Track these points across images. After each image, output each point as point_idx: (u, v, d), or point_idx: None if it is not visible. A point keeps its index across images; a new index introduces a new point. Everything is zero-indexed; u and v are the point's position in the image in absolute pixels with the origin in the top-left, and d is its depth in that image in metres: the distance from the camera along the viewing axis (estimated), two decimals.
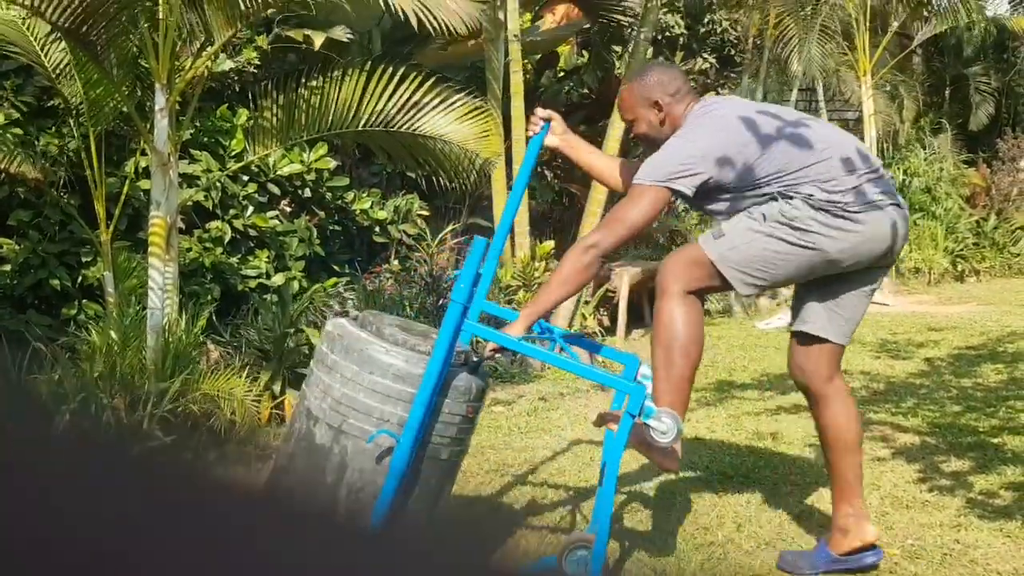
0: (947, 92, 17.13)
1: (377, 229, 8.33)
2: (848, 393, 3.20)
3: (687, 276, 2.97)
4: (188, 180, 6.79)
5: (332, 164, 7.58)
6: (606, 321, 9.12)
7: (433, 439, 2.68)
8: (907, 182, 14.53)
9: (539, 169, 12.01)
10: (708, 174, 2.92)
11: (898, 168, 14.82)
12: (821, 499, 3.90)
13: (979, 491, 4.06)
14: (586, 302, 8.62)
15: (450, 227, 8.86)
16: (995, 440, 4.81)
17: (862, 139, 13.75)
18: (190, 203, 6.70)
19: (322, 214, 7.83)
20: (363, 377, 2.61)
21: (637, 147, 12.64)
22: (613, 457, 2.86)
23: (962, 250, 13.63)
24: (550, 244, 8.85)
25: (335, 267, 7.93)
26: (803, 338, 3.12)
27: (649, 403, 2.77)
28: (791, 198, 2.91)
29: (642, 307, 10.15)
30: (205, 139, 7.11)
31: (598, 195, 8.30)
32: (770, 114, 3.06)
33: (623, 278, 9.16)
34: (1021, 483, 4.10)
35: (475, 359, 2.97)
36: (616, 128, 8.16)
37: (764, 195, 2.95)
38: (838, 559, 3.09)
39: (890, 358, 7.48)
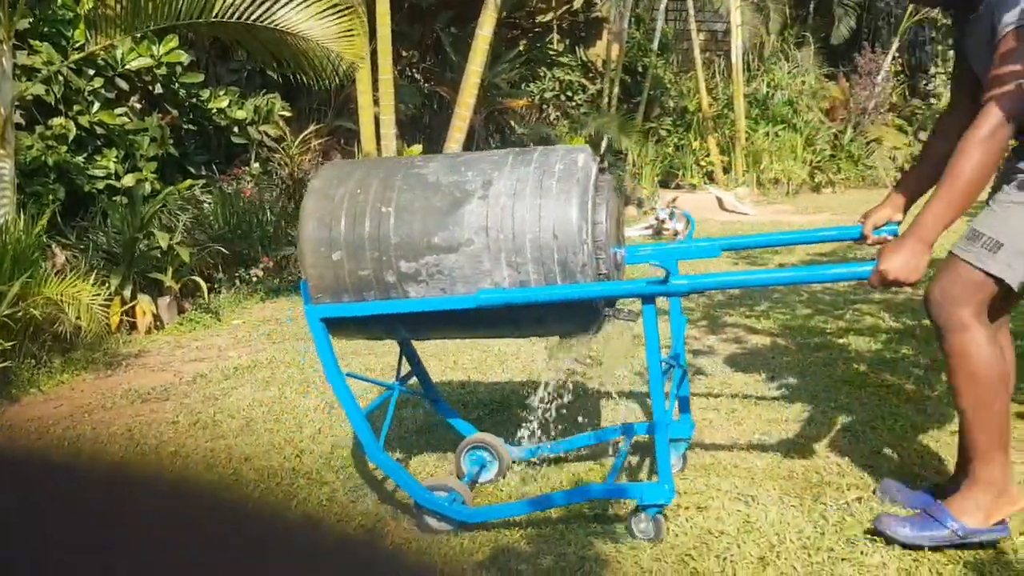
0: (812, 5, 17.44)
1: (236, 129, 7.99)
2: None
3: (970, 297, 2.52)
4: (27, 73, 6.33)
5: (184, 58, 7.18)
6: None
7: None
8: (771, 94, 14.84)
9: (408, 71, 11.74)
10: None
11: (763, 80, 15.11)
12: None
13: (822, 386, 4.23)
14: None
15: (313, 128, 8.58)
16: (841, 340, 5.01)
17: (729, 51, 13.94)
18: (29, 97, 6.26)
19: (175, 112, 7.44)
20: None
21: (513, 47, 12.46)
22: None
23: (820, 162, 14.08)
24: (418, 148, 8.69)
25: (190, 169, 7.59)
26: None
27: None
28: None
29: None
30: (45, 28, 6.61)
31: (467, 98, 8.15)
32: None
33: None
34: (862, 378, 4.29)
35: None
36: (485, 29, 7.99)
37: None
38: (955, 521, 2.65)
39: (747, 264, 7.70)
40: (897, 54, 16.03)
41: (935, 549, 2.63)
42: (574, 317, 2.77)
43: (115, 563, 0.46)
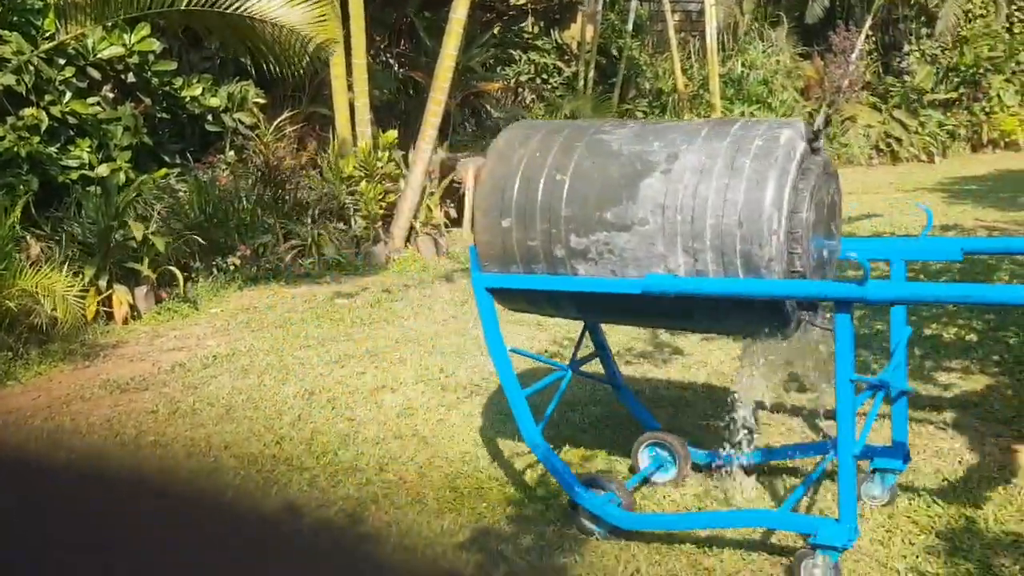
0: None
1: (210, 117, 7.93)
2: None
3: None
4: None
5: (157, 46, 7.12)
6: (453, 213, 9.06)
7: None
8: (746, 74, 14.88)
9: (382, 56, 11.68)
10: None
11: (737, 60, 15.14)
12: None
13: None
14: (431, 193, 8.53)
15: (287, 114, 8.54)
16: None
17: (703, 31, 13.94)
18: (0, 87, 6.20)
19: (148, 101, 7.38)
20: None
21: (487, 31, 12.40)
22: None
23: None
24: (393, 134, 8.65)
25: (164, 157, 7.53)
26: None
27: None
28: None
29: None
30: (14, 18, 6.53)
31: (441, 82, 8.12)
32: None
33: (469, 169, 9.08)
34: None
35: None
36: (459, 12, 7.95)
37: None
38: None
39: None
40: (870, 32, 16.09)
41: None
42: (757, 317, 2.42)
43: (105, 558, 0.48)
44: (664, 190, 2.38)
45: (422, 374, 4.61)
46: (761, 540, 2.66)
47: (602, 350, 3.26)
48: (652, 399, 4.01)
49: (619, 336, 4.87)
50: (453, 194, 9.10)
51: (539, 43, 13.28)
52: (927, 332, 4.74)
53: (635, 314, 2.74)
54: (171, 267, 6.27)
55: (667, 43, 13.94)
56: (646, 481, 3.09)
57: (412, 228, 8.17)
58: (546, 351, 4.70)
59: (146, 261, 6.06)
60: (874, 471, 2.82)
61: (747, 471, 2.96)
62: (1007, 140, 15.82)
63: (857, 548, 2.52)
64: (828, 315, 2.46)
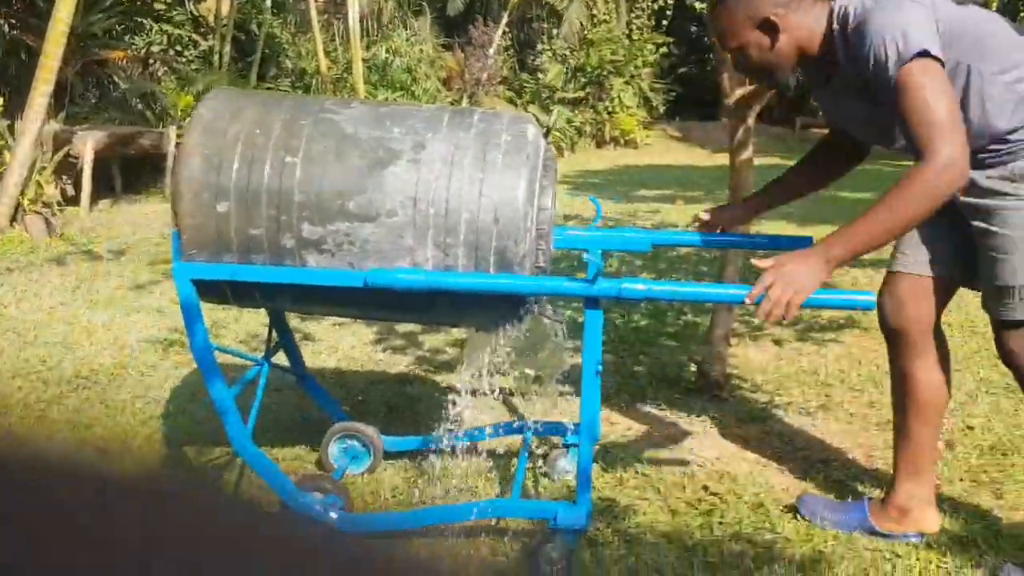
0: None
1: None
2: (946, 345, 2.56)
3: None
4: None
5: None
6: (70, 191, 8.27)
7: None
8: (390, 61, 15.02)
9: None
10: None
11: (381, 47, 15.24)
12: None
13: (427, 349, 4.32)
14: (42, 168, 7.72)
15: None
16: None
17: (347, 16, 13.87)
18: None
19: None
20: None
21: None
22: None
23: None
24: None
25: None
26: (914, 281, 2.46)
27: None
28: None
29: (112, 176, 9.38)
30: None
31: (53, 47, 7.35)
32: None
33: (87, 143, 8.34)
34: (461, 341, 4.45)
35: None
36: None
37: None
38: (876, 530, 2.53)
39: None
40: (507, 29, 16.88)
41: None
42: (501, 311, 2.40)
43: None
44: (415, 181, 2.25)
45: (20, 368, 4.13)
46: (491, 526, 2.63)
47: (285, 336, 3.07)
48: (288, 385, 3.83)
49: (249, 323, 4.67)
50: (70, 170, 8.31)
51: (172, 14, 12.52)
52: None
53: (368, 306, 2.56)
54: None
55: (310, 23, 13.72)
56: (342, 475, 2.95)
57: (19, 206, 7.34)
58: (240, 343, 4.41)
59: None
60: (567, 447, 2.97)
61: (456, 455, 2.91)
62: (626, 138, 17.31)
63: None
64: (556, 309, 2.59)
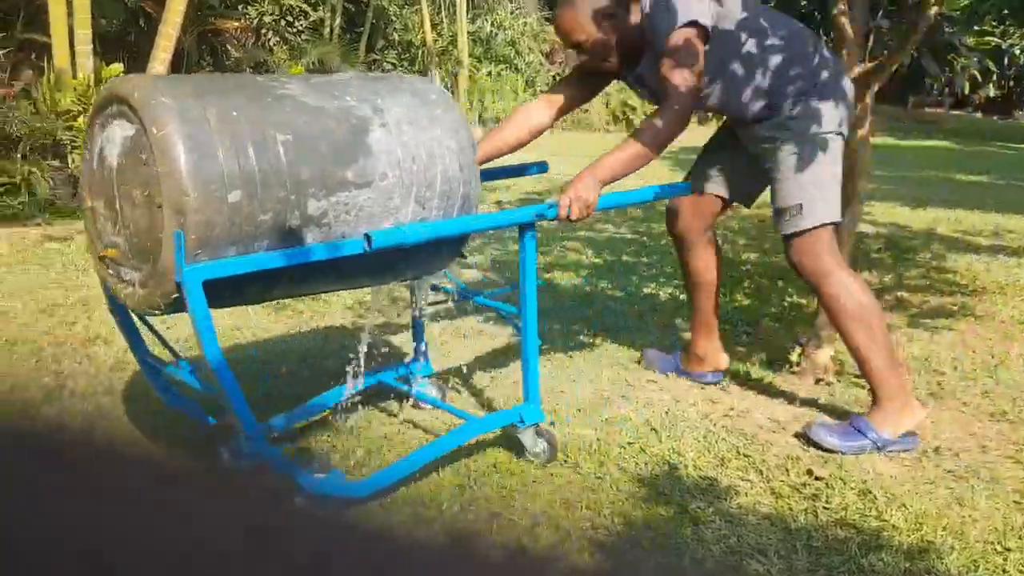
0: None
1: None
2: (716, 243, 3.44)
3: (831, 250, 2.92)
4: None
5: None
6: None
7: None
8: (494, 34, 15.03)
9: None
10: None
11: (486, 20, 15.25)
12: None
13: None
14: None
15: None
16: (547, 275, 5.18)
17: None
18: None
19: None
20: None
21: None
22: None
23: None
24: (118, 67, 8.00)
25: None
26: (693, 198, 3.29)
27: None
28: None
29: None
30: None
31: (173, 16, 7.59)
32: None
33: None
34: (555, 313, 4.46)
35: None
36: None
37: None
38: (684, 372, 3.53)
39: None
40: None
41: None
42: (455, 250, 2.71)
43: None
44: (396, 143, 2.38)
45: (138, 325, 4.29)
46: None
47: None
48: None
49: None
50: None
51: None
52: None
53: (354, 275, 2.54)
54: None
55: None
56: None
57: None
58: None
59: None
60: (427, 378, 3.23)
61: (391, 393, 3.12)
62: None
63: (568, 498, 2.57)
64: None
